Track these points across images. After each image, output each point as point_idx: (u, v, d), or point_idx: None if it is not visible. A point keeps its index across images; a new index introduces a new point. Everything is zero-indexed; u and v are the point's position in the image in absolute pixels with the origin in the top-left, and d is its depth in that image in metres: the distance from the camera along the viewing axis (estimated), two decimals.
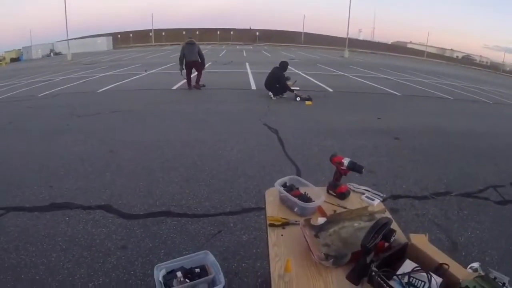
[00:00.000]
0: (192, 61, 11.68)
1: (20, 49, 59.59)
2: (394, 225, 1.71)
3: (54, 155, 5.46)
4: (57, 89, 13.07)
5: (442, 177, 4.90)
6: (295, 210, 1.82)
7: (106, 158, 5.25)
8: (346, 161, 1.99)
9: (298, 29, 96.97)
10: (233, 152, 5.47)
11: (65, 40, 42.40)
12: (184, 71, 11.78)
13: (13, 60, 53.17)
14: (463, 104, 12.75)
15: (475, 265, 1.48)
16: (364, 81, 16.43)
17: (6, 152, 5.78)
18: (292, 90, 10.17)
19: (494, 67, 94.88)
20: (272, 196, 2.01)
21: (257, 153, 5.43)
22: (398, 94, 12.97)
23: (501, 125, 9.77)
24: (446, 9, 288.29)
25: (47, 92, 12.28)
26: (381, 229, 1.43)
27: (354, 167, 1.97)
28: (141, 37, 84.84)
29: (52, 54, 57.99)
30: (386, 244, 1.49)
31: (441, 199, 4.21)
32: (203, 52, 12.00)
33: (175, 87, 12.32)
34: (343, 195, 2.02)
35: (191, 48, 11.63)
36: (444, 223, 3.63)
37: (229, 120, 7.59)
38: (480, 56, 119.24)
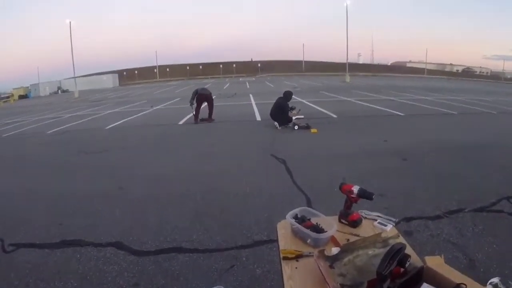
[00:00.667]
0: (204, 94, 12.19)
1: (28, 86, 61.08)
2: (408, 249, 1.69)
3: (63, 192, 5.51)
4: (66, 126, 13.34)
5: (454, 194, 4.84)
6: (308, 241, 1.80)
7: (115, 195, 5.28)
8: (355, 189, 1.99)
9: (299, 57, 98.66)
10: (242, 184, 5.44)
11: (72, 77, 43.34)
12: (195, 104, 12.07)
13: (21, 97, 54.44)
14: (468, 118, 12.77)
15: (495, 280, 1.45)
16: (367, 104, 16.54)
17: (15, 189, 5.85)
18: (291, 120, 10.26)
19: (495, 77, 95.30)
20: (284, 228, 2.00)
21: (266, 184, 5.41)
22: (402, 114, 13.00)
23: (508, 134, 9.78)
24: (442, 23, 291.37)
25: (55, 129, 12.55)
26: (396, 255, 1.41)
27: (364, 194, 1.96)
28: (146, 73, 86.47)
29: (59, 91, 59.23)
30: (402, 270, 1.47)
31: (455, 217, 4.15)
32: (206, 86, 12.60)
33: (181, 122, 12.46)
34: (355, 223, 2.00)
35: (204, 88, 12.64)
36: (460, 241, 3.56)
37: (236, 152, 7.62)
38: (480, 67, 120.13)
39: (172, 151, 8.02)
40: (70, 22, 41.32)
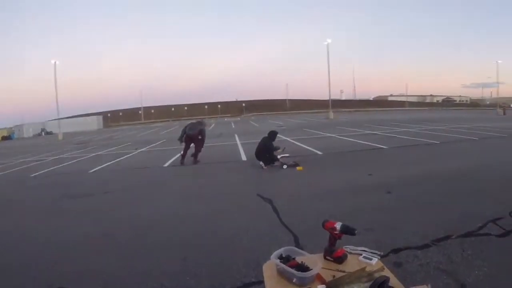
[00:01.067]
0: (190, 134, 11.94)
1: (11, 128, 60.49)
2: (395, 281, 1.71)
3: (47, 239, 5.40)
4: (49, 169, 13.24)
5: (440, 222, 4.90)
6: (294, 281, 1.81)
7: (101, 241, 5.17)
8: (338, 225, 2.02)
9: (283, 96, 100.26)
10: (229, 225, 5.40)
11: (56, 119, 43.04)
12: (183, 143, 12.00)
13: (4, 138, 54.06)
14: (450, 146, 13.14)
15: None
16: (351, 139, 16.82)
17: None
18: (278, 159, 10.31)
19: (474, 104, 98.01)
20: (270, 269, 2.00)
21: (252, 225, 5.36)
22: (385, 147, 13.26)
23: (490, 158, 10.20)
24: (421, 56, 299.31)
25: (39, 172, 12.43)
26: None
27: (347, 230, 2.00)
28: (130, 115, 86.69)
29: (43, 133, 58.95)
30: None
31: (443, 244, 4.18)
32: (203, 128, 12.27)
33: (166, 164, 12.41)
34: (340, 259, 2.02)
35: (194, 124, 12.17)
36: (450, 268, 3.59)
37: (222, 193, 7.57)
38: (460, 96, 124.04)
39: (157, 194, 7.95)
40: (55, 63, 41.60)
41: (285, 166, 9.95)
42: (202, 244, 4.76)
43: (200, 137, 12.09)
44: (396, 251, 4.10)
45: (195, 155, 12.22)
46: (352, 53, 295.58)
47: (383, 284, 1.47)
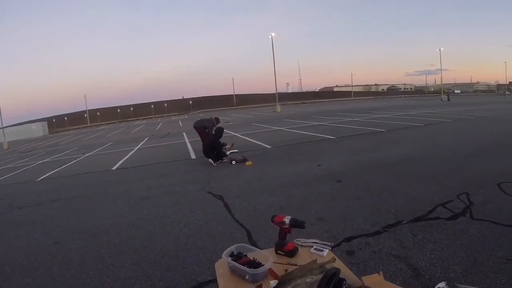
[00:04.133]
0: (194, 126, 11.24)
1: None
2: (346, 271, 1.74)
3: None
4: None
5: (390, 208, 5.06)
6: (247, 278, 1.80)
7: (51, 251, 4.97)
8: (287, 219, 2.03)
9: (230, 92, 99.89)
10: (181, 226, 5.33)
11: (0, 128, 40.96)
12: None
13: None
14: (396, 133, 13.65)
15: (441, 285, 1.51)
16: (299, 131, 17.07)
17: None
18: (226, 155, 10.34)
19: (419, 91, 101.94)
20: (222, 268, 1.98)
21: (205, 223, 5.32)
22: (333, 137, 13.57)
23: (436, 144, 10.61)
24: (365, 47, 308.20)
25: None
26: (330, 281, 1.45)
27: (296, 224, 2.01)
28: (76, 119, 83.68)
29: None
30: None
31: (394, 230, 4.31)
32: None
33: (114, 167, 12.06)
34: (291, 253, 2.04)
35: (203, 120, 11.21)
36: (402, 253, 3.69)
37: (172, 193, 7.44)
38: (404, 84, 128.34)
39: (106, 199, 7.69)
40: None
41: (233, 162, 9.96)
42: (154, 247, 4.66)
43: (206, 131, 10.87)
44: (348, 239, 4.20)
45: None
46: (297, 46, 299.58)
47: (334, 276, 1.49)
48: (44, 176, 12.09)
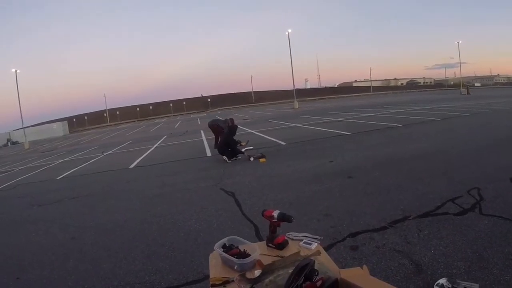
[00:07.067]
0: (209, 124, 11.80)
1: None
2: (330, 264, 1.84)
3: (18, 246, 5.47)
4: (17, 179, 13.00)
5: (398, 204, 5.05)
6: (235, 267, 1.91)
7: (68, 245, 5.22)
8: (275, 213, 2.12)
9: (248, 89, 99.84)
10: (192, 222, 5.48)
11: (21, 128, 41.84)
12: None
13: None
14: (412, 128, 13.52)
15: (442, 281, 1.55)
16: (315, 127, 17.06)
17: None
18: (242, 152, 10.47)
19: (439, 85, 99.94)
20: (215, 258, 2.10)
21: (215, 219, 5.45)
22: (348, 133, 13.55)
23: (450, 138, 10.50)
24: (384, 41, 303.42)
25: (6, 184, 12.20)
26: (301, 271, 1.55)
27: (284, 218, 2.10)
28: (96, 118, 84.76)
29: (9, 143, 57.07)
30: (319, 283, 1.60)
31: (400, 226, 4.31)
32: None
33: (132, 166, 12.32)
34: (281, 246, 2.12)
35: (217, 120, 11.74)
36: (406, 248, 3.70)
37: (186, 190, 7.62)
38: (424, 78, 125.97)
39: (123, 196, 7.92)
40: (16, 71, 40.25)
41: (252, 159, 10.06)
42: (165, 242, 4.83)
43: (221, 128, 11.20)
44: (353, 234, 4.24)
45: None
46: (316, 41, 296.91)
47: (305, 267, 1.57)
48: (64, 174, 12.44)
